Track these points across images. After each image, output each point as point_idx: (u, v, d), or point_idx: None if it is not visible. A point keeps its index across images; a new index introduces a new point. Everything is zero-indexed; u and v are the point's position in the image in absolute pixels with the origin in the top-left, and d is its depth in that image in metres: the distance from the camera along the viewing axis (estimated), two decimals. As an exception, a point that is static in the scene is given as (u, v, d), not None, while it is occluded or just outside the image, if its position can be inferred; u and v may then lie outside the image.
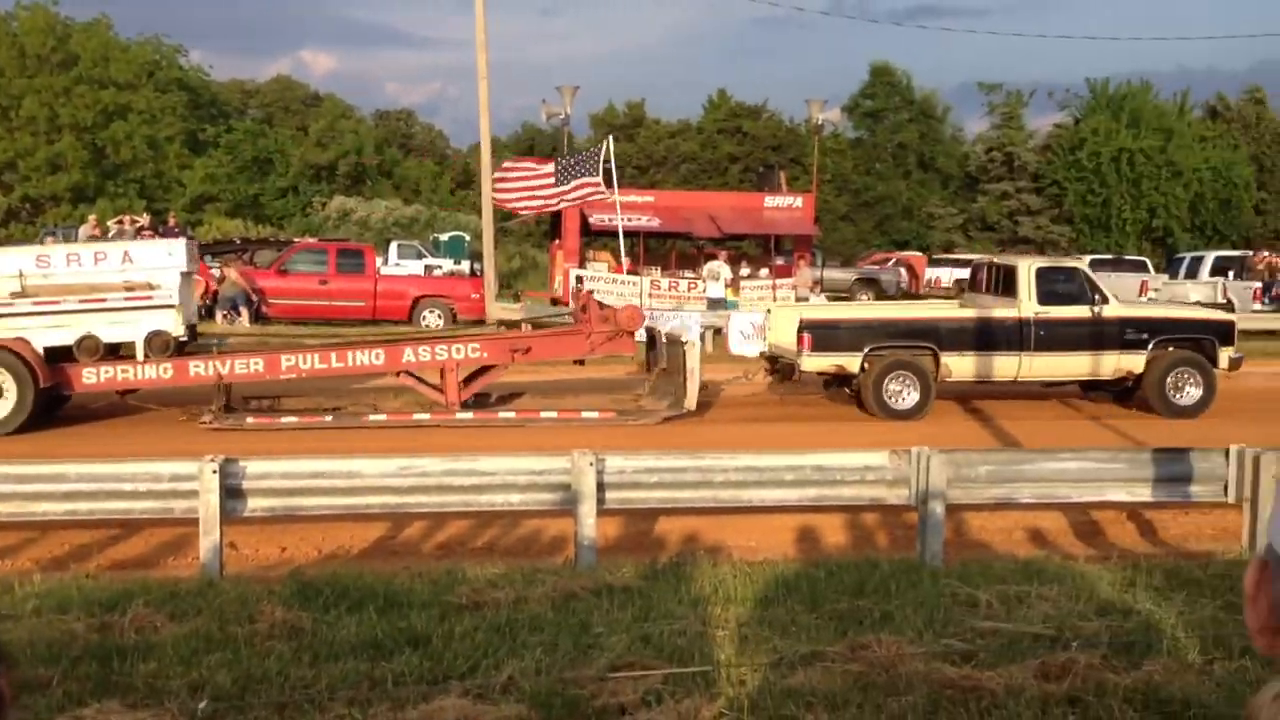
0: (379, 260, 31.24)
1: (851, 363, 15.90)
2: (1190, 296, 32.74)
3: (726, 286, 27.86)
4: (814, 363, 16.08)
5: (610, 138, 23.89)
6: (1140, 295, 32.39)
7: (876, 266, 41.09)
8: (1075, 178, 51.86)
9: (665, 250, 37.49)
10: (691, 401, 15.30)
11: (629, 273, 31.89)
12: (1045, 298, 16.31)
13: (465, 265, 35.44)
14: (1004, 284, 16.88)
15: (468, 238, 40.59)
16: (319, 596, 6.81)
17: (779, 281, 29.05)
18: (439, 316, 27.68)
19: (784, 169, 38.16)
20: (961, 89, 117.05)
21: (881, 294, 37.96)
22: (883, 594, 6.91)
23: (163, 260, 15.54)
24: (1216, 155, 51.97)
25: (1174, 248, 47.13)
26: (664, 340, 16.72)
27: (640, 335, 16.78)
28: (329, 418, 15.14)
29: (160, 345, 15.03)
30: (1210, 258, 35.63)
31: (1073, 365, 16.44)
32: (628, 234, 33.16)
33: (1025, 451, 10.31)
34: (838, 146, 54.78)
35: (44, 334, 14.71)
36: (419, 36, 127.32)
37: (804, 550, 9.17)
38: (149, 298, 15.05)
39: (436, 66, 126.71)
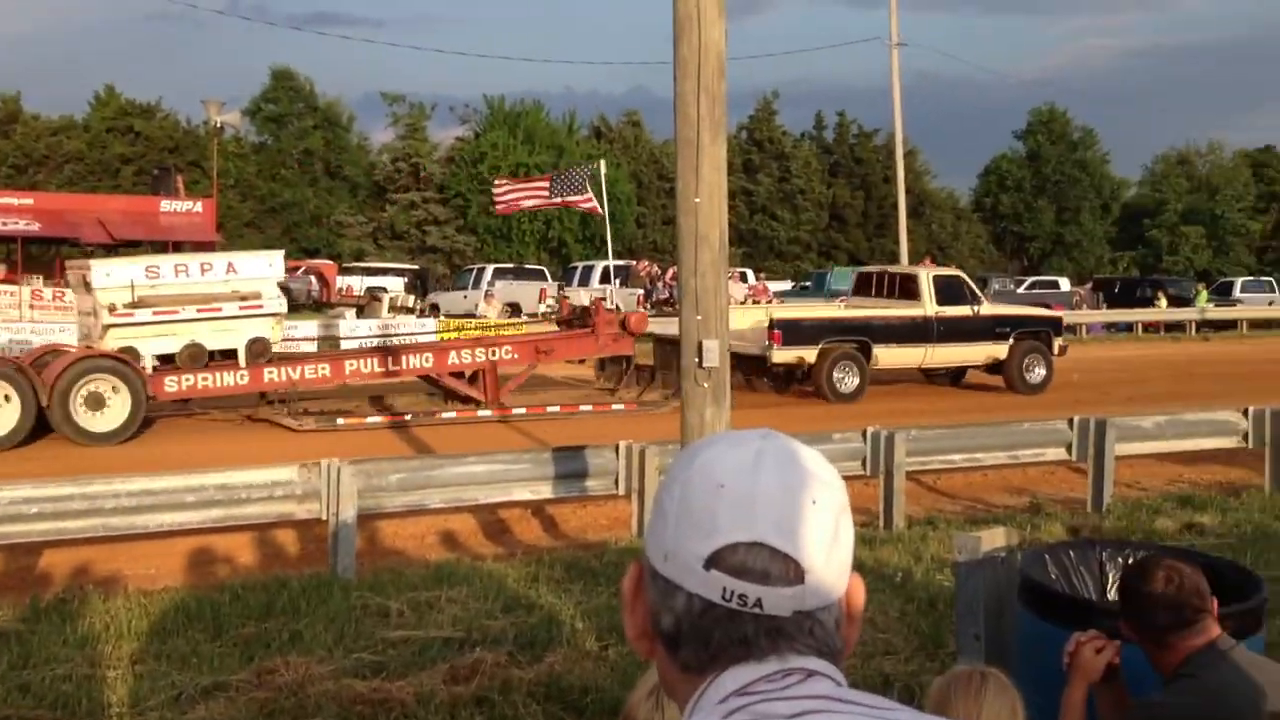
0: None
1: (810, 354, 18.33)
2: (584, 301, 35.16)
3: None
4: (782, 355, 18.41)
5: (603, 160, 26.44)
6: (540, 301, 34.34)
7: (286, 274, 40.14)
8: (478, 190, 53.88)
9: (49, 258, 34.23)
10: None
11: (5, 281, 28.85)
12: (941, 300, 19.45)
13: None
14: (902, 289, 20.03)
15: None
16: None
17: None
18: None
19: (182, 172, 36.06)
20: (366, 99, 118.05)
21: (292, 302, 37.15)
22: (292, 613, 6.68)
23: (264, 271, 16.46)
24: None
25: (568, 257, 50.36)
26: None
27: None
28: (409, 416, 16.03)
29: (260, 351, 15.69)
30: (600, 266, 38.47)
31: (962, 353, 19.86)
32: (2, 239, 30.09)
33: (435, 457, 10.44)
34: (240, 150, 53.06)
35: (152, 343, 15.12)
36: None
37: (210, 575, 8.69)
38: (259, 306, 15.84)
39: None
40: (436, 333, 25.86)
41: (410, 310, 33.02)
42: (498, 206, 26.03)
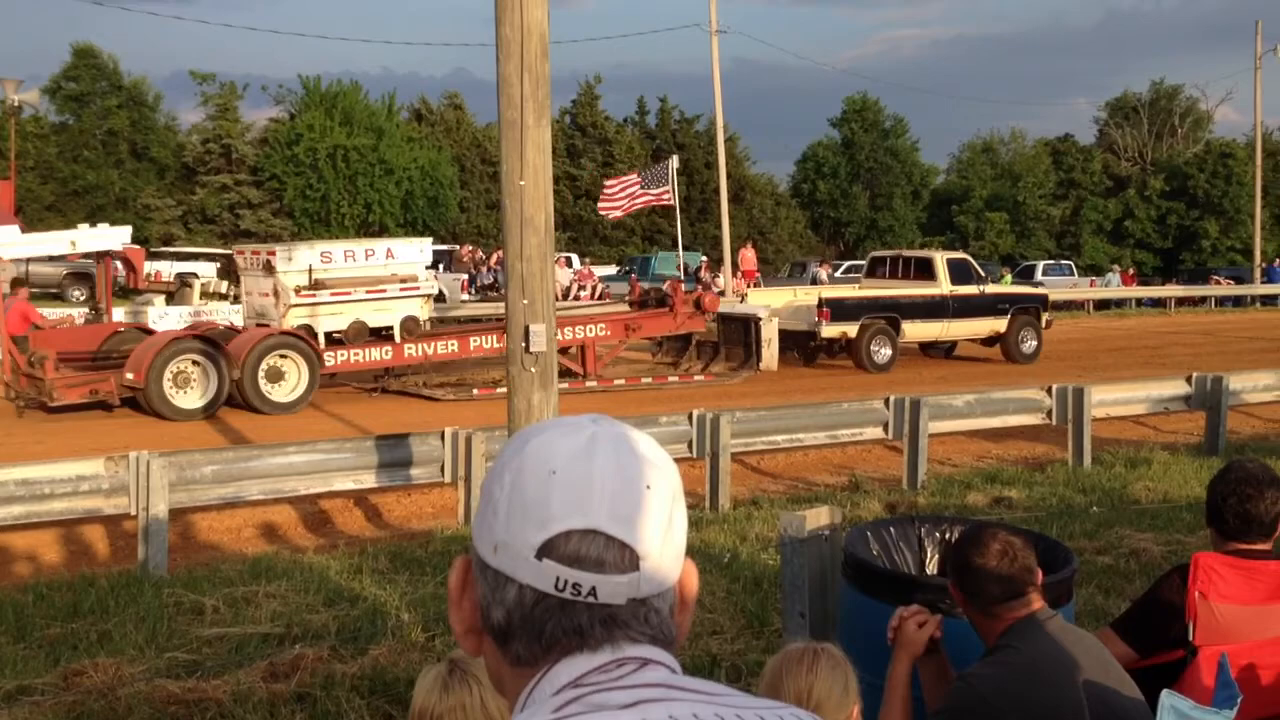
0: None
1: (852, 329, 20.35)
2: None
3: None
4: (830, 330, 20.38)
5: (675, 157, 29.81)
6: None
7: (89, 260, 38.37)
8: (294, 172, 52.40)
9: None
10: (772, 363, 19.66)
11: None
12: (954, 280, 21.57)
13: None
14: (917, 271, 22.19)
15: None
16: None
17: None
18: None
19: (-24, 153, 34.23)
20: (174, 78, 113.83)
21: (94, 289, 35.59)
22: (100, 613, 6.39)
23: (416, 256, 18.32)
24: (424, 155, 55.25)
25: (389, 241, 49.41)
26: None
27: None
28: None
29: (411, 328, 17.40)
30: (422, 251, 37.79)
31: (971, 327, 21.99)
32: None
33: (251, 448, 10.14)
34: (40, 131, 50.50)
35: (324, 321, 16.90)
36: None
37: (11, 574, 8.26)
38: (416, 288, 17.71)
39: None
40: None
41: (224, 297, 31.89)
42: (614, 212, 29.01)
